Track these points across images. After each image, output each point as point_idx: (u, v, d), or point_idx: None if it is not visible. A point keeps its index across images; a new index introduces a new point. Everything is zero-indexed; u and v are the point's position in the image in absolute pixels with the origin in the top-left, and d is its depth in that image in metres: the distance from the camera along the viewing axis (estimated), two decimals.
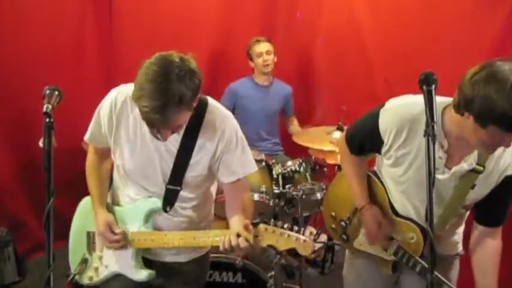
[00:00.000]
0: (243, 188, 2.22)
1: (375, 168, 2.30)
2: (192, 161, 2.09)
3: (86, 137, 2.24)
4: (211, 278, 3.01)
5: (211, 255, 2.83)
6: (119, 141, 2.11)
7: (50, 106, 1.72)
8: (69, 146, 3.35)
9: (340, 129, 3.74)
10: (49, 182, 1.64)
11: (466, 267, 2.21)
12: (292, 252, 3.82)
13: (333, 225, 2.47)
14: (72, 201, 2.47)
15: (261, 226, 1.93)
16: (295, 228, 1.92)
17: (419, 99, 1.72)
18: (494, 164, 1.94)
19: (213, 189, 2.34)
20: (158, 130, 1.88)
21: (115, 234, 2.18)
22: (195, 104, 1.93)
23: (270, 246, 1.95)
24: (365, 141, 2.17)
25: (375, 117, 2.04)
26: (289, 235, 1.90)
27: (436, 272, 1.86)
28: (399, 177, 2.09)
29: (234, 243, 1.94)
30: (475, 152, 1.92)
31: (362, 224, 2.29)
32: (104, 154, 2.28)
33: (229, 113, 2.16)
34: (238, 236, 1.94)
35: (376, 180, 2.25)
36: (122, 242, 2.19)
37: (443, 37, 3.76)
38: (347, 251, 2.52)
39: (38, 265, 3.92)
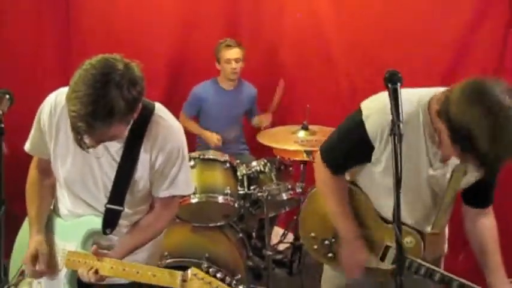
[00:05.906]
0: (171, 208, 2.12)
1: (348, 178, 2.20)
2: (136, 176, 1.96)
3: (27, 147, 2.09)
4: None
5: (177, 259, 2.79)
6: (59, 148, 1.97)
7: (0, 111, 1.66)
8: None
9: (304, 128, 3.74)
10: (0, 189, 1.58)
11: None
12: (259, 253, 3.83)
13: (315, 246, 2.32)
14: None
15: (192, 270, 1.74)
16: (228, 279, 1.73)
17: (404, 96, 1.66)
18: None
19: None
20: (82, 138, 1.71)
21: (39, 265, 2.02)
22: (135, 115, 1.79)
23: None
24: (351, 155, 2.05)
25: (359, 125, 1.93)
26: (218, 286, 1.70)
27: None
28: (389, 182, 1.94)
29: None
30: None
31: (343, 254, 2.20)
32: (47, 170, 2.11)
33: (176, 125, 2.03)
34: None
35: (356, 189, 2.16)
36: (44, 274, 2.05)
37: (405, 34, 3.79)
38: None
39: None
